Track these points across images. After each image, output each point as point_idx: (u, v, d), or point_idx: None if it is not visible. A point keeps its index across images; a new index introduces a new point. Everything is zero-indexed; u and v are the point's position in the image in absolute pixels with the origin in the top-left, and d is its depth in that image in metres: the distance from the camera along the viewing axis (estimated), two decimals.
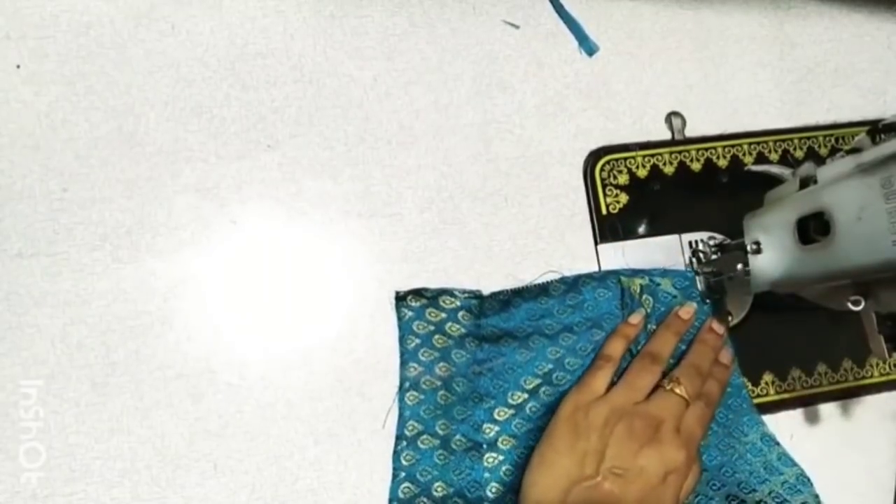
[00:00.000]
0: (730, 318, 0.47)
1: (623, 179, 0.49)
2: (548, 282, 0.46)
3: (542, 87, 0.50)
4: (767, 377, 0.48)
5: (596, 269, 0.47)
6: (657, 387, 0.41)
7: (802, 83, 0.54)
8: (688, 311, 0.45)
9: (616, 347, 0.43)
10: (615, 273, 0.46)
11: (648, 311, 0.45)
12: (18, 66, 0.44)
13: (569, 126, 0.50)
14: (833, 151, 0.52)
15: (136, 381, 0.42)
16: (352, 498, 0.43)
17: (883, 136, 0.34)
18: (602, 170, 0.49)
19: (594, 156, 0.49)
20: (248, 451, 0.42)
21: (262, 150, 0.46)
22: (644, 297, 0.45)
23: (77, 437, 0.41)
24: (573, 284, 0.45)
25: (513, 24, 0.50)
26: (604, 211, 0.48)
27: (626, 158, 0.49)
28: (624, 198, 0.49)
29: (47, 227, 0.43)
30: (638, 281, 0.45)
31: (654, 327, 0.45)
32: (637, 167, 0.49)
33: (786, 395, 0.48)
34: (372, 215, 0.46)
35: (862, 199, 0.32)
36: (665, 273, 0.46)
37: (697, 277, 0.47)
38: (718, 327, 0.45)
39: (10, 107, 0.44)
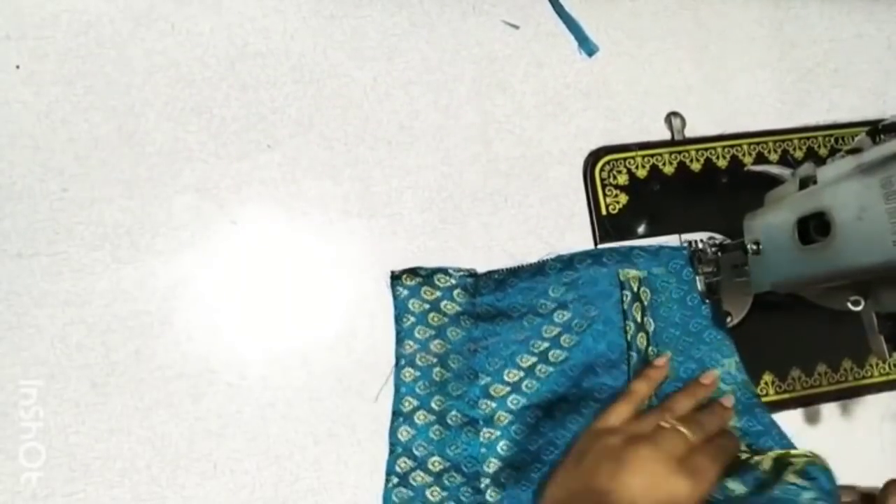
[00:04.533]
0: (730, 319, 0.47)
1: (623, 179, 0.49)
2: (543, 261, 0.46)
3: (542, 87, 0.50)
4: (767, 377, 0.48)
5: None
6: (658, 427, 0.40)
7: (802, 83, 0.54)
8: (711, 377, 0.44)
9: (640, 387, 0.43)
10: (611, 251, 0.46)
11: (646, 302, 0.45)
12: (18, 67, 0.44)
13: (569, 126, 0.50)
14: (833, 152, 0.52)
15: (136, 381, 0.42)
16: (352, 498, 0.43)
17: (883, 136, 0.34)
18: (602, 170, 0.49)
19: (594, 156, 0.49)
20: (248, 451, 0.42)
21: (262, 150, 0.46)
22: (642, 289, 0.45)
23: (77, 437, 0.41)
24: (568, 262, 0.46)
25: (513, 25, 0.50)
26: (603, 211, 0.48)
27: (625, 158, 0.49)
28: (624, 198, 0.49)
29: (47, 227, 0.43)
30: (634, 273, 0.46)
31: (649, 319, 0.45)
32: (637, 167, 0.49)
33: (786, 396, 0.48)
34: (372, 215, 0.46)
35: (862, 199, 0.32)
36: (658, 252, 0.47)
37: (697, 278, 0.47)
38: (728, 403, 0.44)
39: (10, 107, 0.44)
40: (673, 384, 0.45)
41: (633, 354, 0.44)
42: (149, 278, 0.43)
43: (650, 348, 0.45)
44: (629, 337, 0.45)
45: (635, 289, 0.45)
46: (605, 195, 0.49)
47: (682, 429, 0.39)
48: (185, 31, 0.46)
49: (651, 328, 0.45)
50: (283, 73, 0.47)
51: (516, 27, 0.50)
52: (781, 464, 0.42)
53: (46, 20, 0.45)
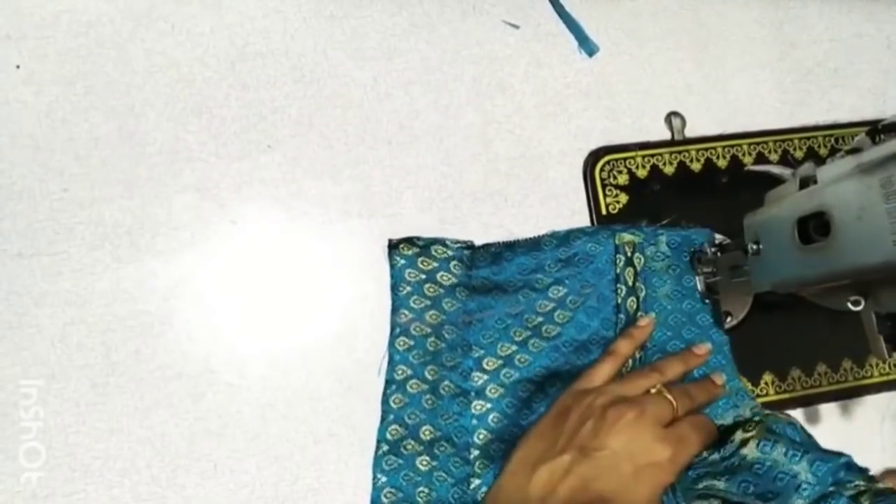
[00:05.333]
0: (729, 319, 0.47)
1: (623, 179, 0.49)
2: (539, 236, 0.46)
3: (542, 87, 0.50)
4: (767, 377, 0.48)
5: None
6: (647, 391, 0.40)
7: (802, 83, 0.54)
8: (704, 348, 0.44)
9: (622, 346, 0.43)
10: (608, 228, 0.46)
11: (639, 268, 0.45)
12: (18, 66, 0.44)
13: (569, 126, 0.50)
14: (833, 151, 0.52)
15: (136, 381, 0.42)
16: (352, 498, 0.43)
17: (883, 136, 0.34)
18: (602, 170, 0.49)
19: (594, 156, 0.49)
20: (248, 451, 0.42)
21: (262, 150, 0.46)
22: (636, 255, 0.46)
23: (77, 437, 0.41)
24: (564, 239, 0.46)
25: (513, 24, 0.50)
26: (604, 211, 0.48)
27: (625, 158, 0.49)
28: (624, 198, 0.49)
29: (47, 227, 0.43)
30: (629, 237, 0.46)
31: (640, 284, 0.45)
32: (637, 167, 0.49)
33: (786, 396, 0.48)
34: (372, 215, 0.46)
35: (862, 199, 0.32)
36: (656, 230, 0.47)
37: (697, 278, 0.47)
38: (719, 380, 0.44)
39: (10, 107, 0.44)
40: (659, 357, 0.45)
41: (622, 317, 0.45)
42: (149, 278, 0.43)
43: (639, 313, 0.45)
44: (619, 299, 0.45)
45: (629, 254, 0.46)
46: (605, 195, 0.49)
47: (669, 396, 0.39)
48: (185, 31, 0.46)
49: (642, 294, 0.46)
50: (283, 73, 0.47)
51: (516, 27, 0.50)
52: (748, 428, 0.42)
53: (46, 20, 0.45)
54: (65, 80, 0.44)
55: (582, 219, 0.48)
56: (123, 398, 0.42)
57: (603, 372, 0.41)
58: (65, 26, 0.45)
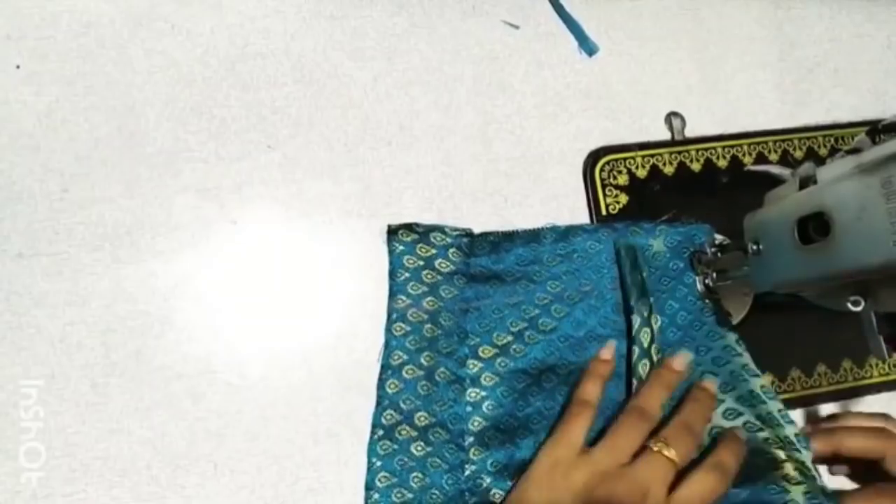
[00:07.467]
0: (729, 319, 0.47)
1: (623, 180, 0.49)
2: (539, 229, 0.46)
3: (542, 87, 0.50)
4: (767, 377, 0.48)
5: None
6: (643, 447, 0.37)
7: (802, 83, 0.54)
8: (681, 360, 0.42)
9: (591, 390, 0.40)
10: (609, 226, 0.46)
11: (645, 274, 0.45)
12: (18, 67, 0.44)
13: (569, 126, 0.50)
14: (833, 151, 0.52)
15: (136, 381, 0.42)
16: (352, 498, 0.43)
17: (883, 136, 0.34)
18: (602, 170, 0.49)
19: (594, 156, 0.49)
20: (248, 451, 0.42)
21: (262, 151, 0.46)
22: (638, 259, 0.45)
23: (77, 437, 0.41)
24: (564, 235, 0.46)
25: (513, 25, 0.50)
26: (604, 211, 0.48)
27: (625, 159, 0.49)
28: (624, 198, 0.49)
29: (47, 227, 0.43)
30: (629, 244, 0.46)
31: (650, 289, 0.45)
32: (637, 167, 0.49)
33: (785, 396, 0.48)
34: (372, 215, 0.46)
35: (862, 200, 0.32)
36: (656, 228, 0.47)
37: (697, 278, 0.47)
38: (710, 387, 0.42)
39: (10, 107, 0.44)
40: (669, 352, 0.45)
41: (637, 318, 0.43)
42: (149, 278, 0.43)
43: (654, 316, 0.44)
44: (632, 301, 0.44)
45: (633, 258, 0.45)
46: (605, 195, 0.49)
47: (666, 452, 0.36)
48: (185, 31, 0.46)
49: (653, 298, 0.45)
50: (283, 73, 0.47)
51: (516, 27, 0.50)
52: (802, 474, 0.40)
53: (46, 20, 0.45)
54: (65, 80, 0.44)
55: (582, 219, 0.48)
56: (123, 398, 0.42)
57: (579, 429, 0.38)
58: (65, 26, 0.45)
